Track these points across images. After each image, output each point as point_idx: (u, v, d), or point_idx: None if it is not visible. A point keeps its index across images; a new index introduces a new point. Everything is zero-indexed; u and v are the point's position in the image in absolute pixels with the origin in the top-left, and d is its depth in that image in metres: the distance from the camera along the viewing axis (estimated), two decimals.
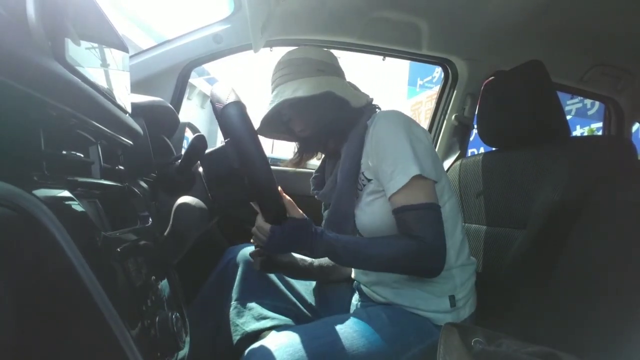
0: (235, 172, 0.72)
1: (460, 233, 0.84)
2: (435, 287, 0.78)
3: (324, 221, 0.92)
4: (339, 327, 0.72)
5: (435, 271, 0.72)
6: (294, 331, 0.70)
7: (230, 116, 0.67)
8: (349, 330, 0.72)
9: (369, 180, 0.81)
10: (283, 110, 0.86)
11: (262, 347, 0.67)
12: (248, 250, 0.95)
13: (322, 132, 0.87)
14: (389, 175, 0.75)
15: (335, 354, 0.68)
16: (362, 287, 0.90)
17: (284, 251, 0.84)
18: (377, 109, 0.89)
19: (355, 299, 0.93)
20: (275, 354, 0.64)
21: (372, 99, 0.90)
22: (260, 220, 0.73)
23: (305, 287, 0.98)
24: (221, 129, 0.71)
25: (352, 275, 0.97)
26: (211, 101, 0.71)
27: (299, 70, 0.84)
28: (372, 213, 0.81)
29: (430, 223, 0.72)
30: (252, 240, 0.78)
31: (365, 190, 0.83)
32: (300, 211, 0.76)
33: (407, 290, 0.80)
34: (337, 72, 0.89)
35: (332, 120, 0.85)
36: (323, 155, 1.00)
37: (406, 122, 0.79)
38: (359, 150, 0.82)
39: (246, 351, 0.68)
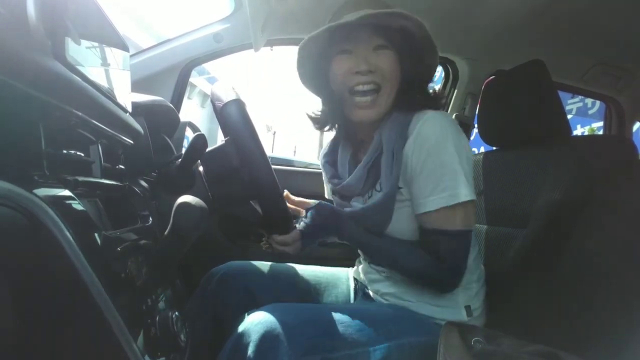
0: (236, 170, 0.72)
1: (476, 242, 0.80)
2: (451, 298, 0.74)
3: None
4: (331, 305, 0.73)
5: (448, 292, 0.72)
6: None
7: (230, 114, 0.67)
8: (341, 306, 0.73)
9: (399, 188, 0.73)
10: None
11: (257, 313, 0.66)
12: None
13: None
14: (427, 191, 0.68)
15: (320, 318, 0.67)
16: (371, 293, 0.85)
17: (316, 236, 0.80)
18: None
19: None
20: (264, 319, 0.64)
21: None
22: (279, 237, 0.77)
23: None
24: (221, 127, 0.71)
25: (354, 276, 0.94)
26: (211, 100, 0.71)
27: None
28: (394, 220, 0.75)
29: (461, 250, 0.69)
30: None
31: None
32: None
33: (422, 303, 0.75)
34: None
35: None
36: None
37: (456, 133, 0.69)
38: (401, 150, 0.71)
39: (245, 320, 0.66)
